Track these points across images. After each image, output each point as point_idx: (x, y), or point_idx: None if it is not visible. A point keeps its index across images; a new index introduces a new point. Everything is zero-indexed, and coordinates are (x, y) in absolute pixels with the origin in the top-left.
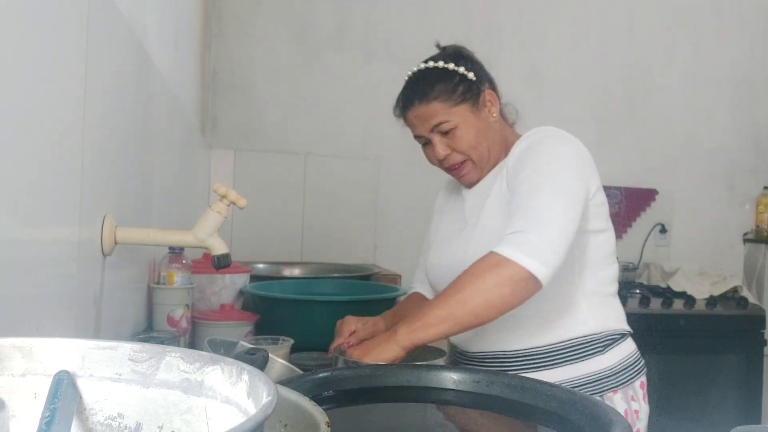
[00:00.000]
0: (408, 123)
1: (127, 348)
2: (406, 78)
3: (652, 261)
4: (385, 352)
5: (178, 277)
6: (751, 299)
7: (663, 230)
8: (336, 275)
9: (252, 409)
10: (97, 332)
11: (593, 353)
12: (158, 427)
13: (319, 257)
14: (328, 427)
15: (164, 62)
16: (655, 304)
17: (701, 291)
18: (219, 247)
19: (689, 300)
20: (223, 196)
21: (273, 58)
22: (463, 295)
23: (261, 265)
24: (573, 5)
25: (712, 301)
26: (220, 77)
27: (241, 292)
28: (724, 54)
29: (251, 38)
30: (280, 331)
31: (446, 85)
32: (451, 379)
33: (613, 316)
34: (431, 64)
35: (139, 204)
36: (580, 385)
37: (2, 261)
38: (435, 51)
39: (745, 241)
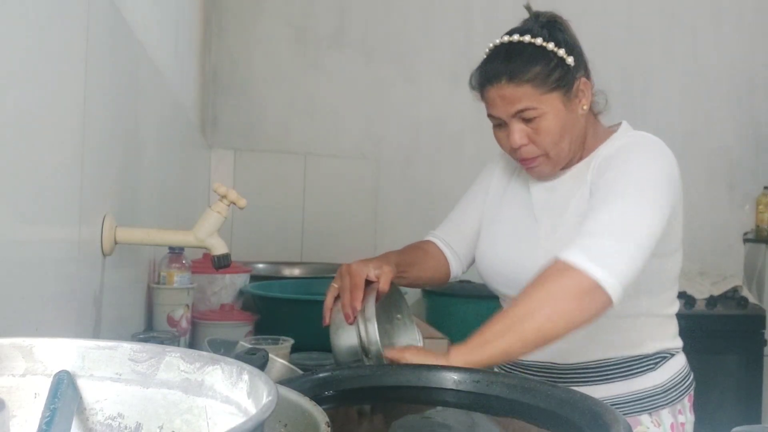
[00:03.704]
0: (486, 100)
1: (127, 348)
2: (493, 46)
3: None
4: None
5: (178, 277)
6: (751, 299)
7: None
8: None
9: (252, 409)
10: (97, 332)
11: (646, 369)
12: (158, 427)
13: (319, 257)
14: (328, 427)
15: (164, 62)
16: None
17: (701, 291)
18: (219, 247)
19: (689, 300)
20: (223, 196)
21: (273, 58)
22: (523, 310)
23: (261, 265)
24: (572, 5)
25: (712, 301)
26: (220, 77)
27: (241, 292)
28: (724, 54)
29: (251, 38)
30: (280, 331)
31: (543, 68)
32: (451, 379)
33: (669, 336)
34: (528, 38)
35: (139, 204)
36: (632, 401)
37: (2, 261)
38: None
39: (745, 241)
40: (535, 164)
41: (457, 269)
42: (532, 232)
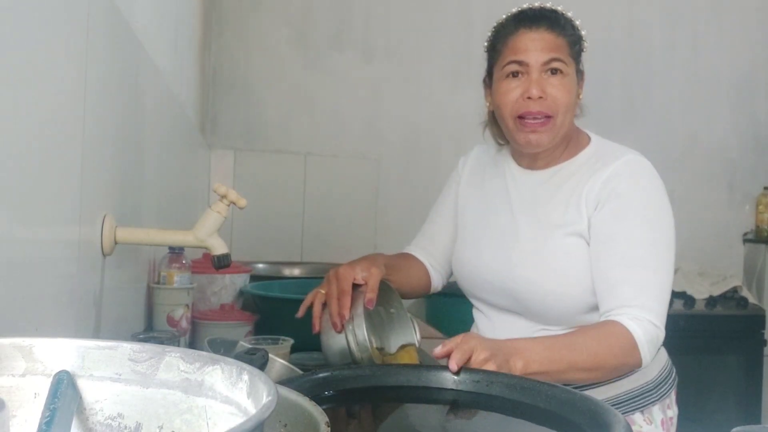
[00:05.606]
0: (514, 44)
1: (127, 348)
2: (521, 8)
3: None
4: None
5: (178, 277)
6: (751, 299)
7: None
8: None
9: (252, 409)
10: (97, 332)
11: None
12: (158, 427)
13: (319, 257)
14: (328, 427)
15: (164, 62)
16: None
17: (701, 291)
18: (219, 247)
19: (689, 300)
20: (223, 196)
21: (273, 58)
22: (587, 363)
23: (261, 265)
24: (573, 6)
25: (712, 301)
26: (220, 77)
27: (241, 292)
28: (724, 54)
29: (251, 38)
30: (280, 331)
31: (573, 34)
32: (451, 379)
33: None
34: (561, 9)
35: (139, 204)
36: (626, 401)
37: (2, 261)
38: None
39: (745, 241)
40: (539, 127)
41: (437, 282)
42: (514, 236)
